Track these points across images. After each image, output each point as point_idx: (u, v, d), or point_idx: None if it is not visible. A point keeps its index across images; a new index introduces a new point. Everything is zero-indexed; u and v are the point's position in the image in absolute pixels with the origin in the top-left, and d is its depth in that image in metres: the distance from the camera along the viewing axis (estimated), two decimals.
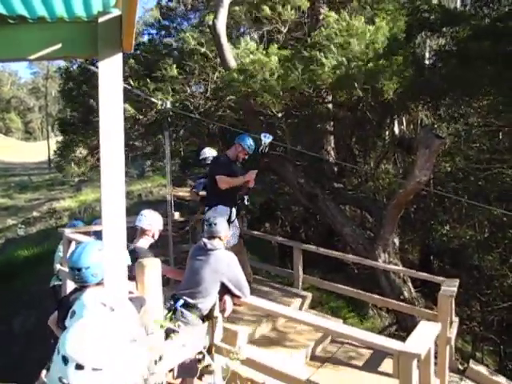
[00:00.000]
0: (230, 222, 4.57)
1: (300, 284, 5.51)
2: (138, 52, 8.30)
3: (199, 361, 3.32)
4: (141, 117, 7.02)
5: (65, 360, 1.06)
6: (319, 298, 5.84)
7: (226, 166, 4.72)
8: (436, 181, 8.23)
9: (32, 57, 1.98)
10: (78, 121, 9.10)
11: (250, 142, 4.81)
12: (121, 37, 1.93)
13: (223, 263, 3.24)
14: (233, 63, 6.22)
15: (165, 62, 7.12)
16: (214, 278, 3.22)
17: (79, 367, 1.05)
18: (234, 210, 4.75)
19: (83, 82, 8.86)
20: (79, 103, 8.94)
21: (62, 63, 13.69)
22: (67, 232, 4.97)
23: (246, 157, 4.88)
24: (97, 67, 2.06)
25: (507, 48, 5.21)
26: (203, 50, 7.11)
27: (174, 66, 6.91)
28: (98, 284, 2.38)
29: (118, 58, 1.95)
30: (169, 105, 5.46)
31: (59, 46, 1.97)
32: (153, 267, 2.61)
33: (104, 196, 1.92)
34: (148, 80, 6.80)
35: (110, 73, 1.92)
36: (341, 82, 5.77)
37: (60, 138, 10.99)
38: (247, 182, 4.67)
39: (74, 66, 9.76)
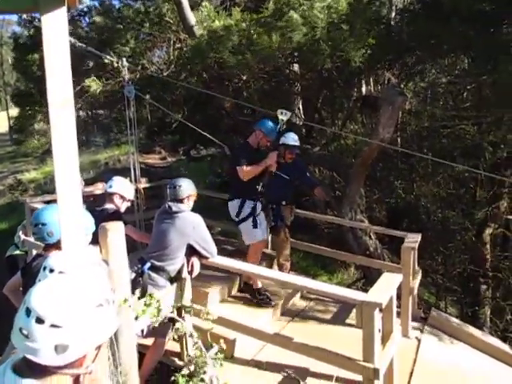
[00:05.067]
0: (255, 216, 4.35)
1: (269, 244, 5.60)
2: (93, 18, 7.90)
3: (172, 321, 3.38)
4: (104, 84, 6.76)
5: (28, 312, 1.08)
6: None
7: (247, 154, 4.29)
8: (402, 140, 8.38)
9: None
10: (34, 91, 8.67)
11: (270, 125, 4.41)
12: None
13: (189, 225, 3.25)
14: (193, 21, 6.01)
15: (123, 28, 6.83)
16: (181, 241, 3.24)
17: (39, 321, 1.06)
18: (259, 203, 4.43)
19: (34, 51, 8.36)
20: (31, 73, 8.48)
21: (17, 29, 12.92)
22: (29, 201, 4.89)
23: (269, 143, 4.47)
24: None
25: (486, 7, 5.22)
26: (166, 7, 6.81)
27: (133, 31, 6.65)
28: (58, 247, 2.37)
29: (62, 13, 1.84)
30: (125, 62, 5.23)
31: None
32: (116, 230, 2.58)
33: (57, 161, 1.85)
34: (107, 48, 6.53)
35: (54, 29, 1.81)
36: (306, 53, 5.66)
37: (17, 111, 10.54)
38: (269, 165, 4.34)
39: (25, 32, 9.21)
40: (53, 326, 1.07)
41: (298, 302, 4.85)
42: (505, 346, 4.45)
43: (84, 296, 1.14)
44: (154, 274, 3.20)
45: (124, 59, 5.53)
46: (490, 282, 7.34)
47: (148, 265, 3.23)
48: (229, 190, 4.72)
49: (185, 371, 2.51)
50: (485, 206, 7.25)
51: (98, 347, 1.16)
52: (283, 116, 4.41)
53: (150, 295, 3.07)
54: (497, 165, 6.65)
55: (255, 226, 4.34)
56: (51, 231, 2.41)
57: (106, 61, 5.83)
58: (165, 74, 6.69)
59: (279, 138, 4.58)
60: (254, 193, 4.39)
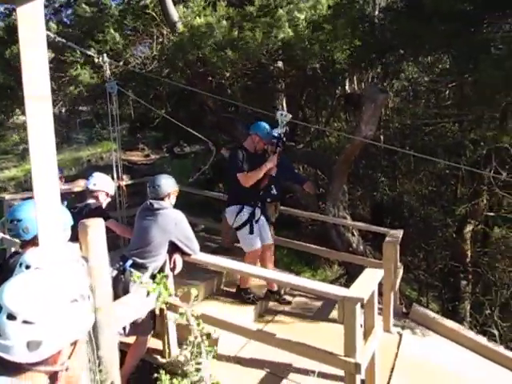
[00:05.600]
0: (252, 222, 4.22)
1: None
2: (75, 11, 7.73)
3: (153, 319, 3.36)
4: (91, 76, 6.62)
5: None
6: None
7: (246, 160, 4.17)
8: (385, 138, 8.47)
9: None
10: (13, 84, 8.45)
11: (266, 128, 4.31)
12: None
13: (171, 222, 3.23)
14: (176, 17, 5.95)
15: (105, 22, 6.69)
16: (163, 238, 3.21)
17: (11, 317, 1.04)
18: (257, 209, 4.32)
19: (12, 43, 8.14)
20: (9, 66, 8.25)
21: None
22: (8, 198, 4.81)
23: (266, 146, 4.41)
24: None
25: (467, 7, 5.28)
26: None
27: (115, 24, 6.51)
28: (35, 244, 2.33)
29: (38, 5, 1.80)
30: (106, 58, 5.16)
31: None
32: (96, 227, 2.55)
33: (33, 155, 1.82)
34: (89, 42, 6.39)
35: (30, 21, 1.77)
36: (292, 51, 5.66)
37: None
38: (270, 169, 4.23)
39: (1, 24, 8.97)
40: (25, 322, 1.04)
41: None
42: (484, 340, 4.54)
43: (57, 291, 1.11)
44: (135, 272, 3.17)
45: (105, 55, 5.47)
46: (469, 278, 7.48)
47: (130, 262, 3.20)
48: (228, 196, 4.58)
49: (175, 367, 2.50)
50: (465, 203, 7.36)
51: (74, 343, 1.14)
52: (283, 117, 4.26)
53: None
54: (477, 162, 6.76)
55: (251, 231, 4.21)
56: (27, 227, 2.37)
57: (90, 53, 5.73)
58: (147, 69, 6.62)
59: (279, 140, 4.41)
60: (254, 198, 4.29)
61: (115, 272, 3.18)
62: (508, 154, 6.05)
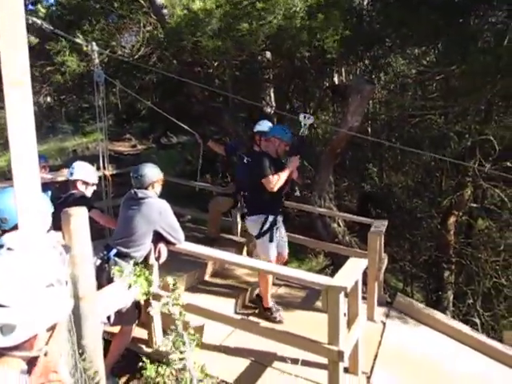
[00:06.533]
0: (273, 229, 4.07)
1: (238, 231, 5.62)
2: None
3: (139, 308, 3.35)
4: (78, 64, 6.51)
5: None
6: None
7: (271, 165, 3.97)
8: (372, 130, 8.52)
9: None
10: None
11: (285, 131, 4.20)
12: None
13: (155, 211, 3.21)
14: (161, 1, 5.85)
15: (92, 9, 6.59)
16: (147, 227, 3.20)
17: None
18: (279, 217, 4.21)
19: None
20: None
21: None
22: None
23: (287, 148, 4.21)
24: None
25: None
26: None
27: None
28: (13, 229, 2.30)
29: None
30: (95, 46, 5.07)
31: None
32: (79, 215, 2.52)
33: (12, 142, 1.78)
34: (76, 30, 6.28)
35: (9, 4, 1.74)
36: (284, 39, 5.58)
37: None
38: (292, 173, 4.12)
39: None
40: (0, 305, 1.03)
41: None
42: (466, 329, 4.63)
43: (33, 274, 1.10)
44: (120, 261, 3.15)
45: (94, 43, 5.37)
46: (453, 268, 7.59)
47: (114, 251, 3.19)
48: (247, 207, 4.37)
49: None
50: (450, 195, 7.45)
51: (52, 328, 1.13)
52: (306, 120, 4.14)
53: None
54: (461, 154, 6.83)
55: (271, 239, 4.08)
56: (5, 218, 2.33)
57: (79, 40, 5.62)
58: (135, 58, 6.54)
59: (302, 141, 4.33)
60: (277, 205, 4.18)
61: (99, 261, 3.17)
62: (492, 146, 6.12)
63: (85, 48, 5.31)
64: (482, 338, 4.43)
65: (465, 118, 6.82)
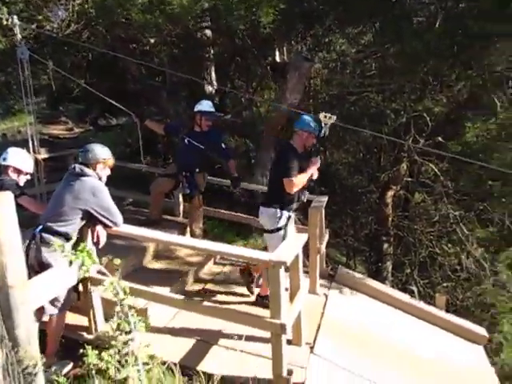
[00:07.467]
0: (286, 226, 3.92)
1: (181, 212, 5.55)
2: None
3: (76, 291, 3.23)
4: None
5: None
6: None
7: (297, 161, 3.80)
8: (314, 108, 8.61)
9: None
10: None
11: (312, 122, 3.93)
12: None
13: (87, 190, 3.06)
14: None
15: None
16: (75, 204, 3.05)
17: None
18: (293, 214, 4.08)
19: None
20: None
21: None
22: None
23: (315, 140, 3.98)
24: None
25: None
26: None
27: None
28: None
29: None
30: (16, 20, 4.70)
31: None
32: (4, 203, 2.38)
33: None
34: None
35: None
36: (219, 13, 5.47)
37: None
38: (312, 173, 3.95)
39: None
40: None
41: (211, 267, 4.92)
42: (405, 297, 4.90)
43: None
44: (46, 235, 3.01)
45: (15, 17, 4.98)
46: (391, 240, 7.96)
47: (40, 227, 3.05)
48: (267, 194, 4.25)
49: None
50: (388, 170, 7.74)
51: None
52: (328, 120, 3.85)
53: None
54: (397, 131, 7.08)
55: (284, 238, 3.91)
56: None
57: None
58: (64, 33, 6.15)
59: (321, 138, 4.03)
60: (293, 202, 4.00)
61: (27, 241, 3.01)
62: (425, 122, 6.39)
63: (5, 22, 4.90)
64: (420, 304, 4.72)
65: (401, 95, 7.06)
